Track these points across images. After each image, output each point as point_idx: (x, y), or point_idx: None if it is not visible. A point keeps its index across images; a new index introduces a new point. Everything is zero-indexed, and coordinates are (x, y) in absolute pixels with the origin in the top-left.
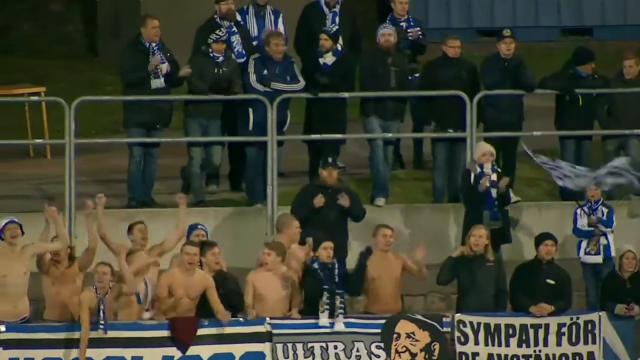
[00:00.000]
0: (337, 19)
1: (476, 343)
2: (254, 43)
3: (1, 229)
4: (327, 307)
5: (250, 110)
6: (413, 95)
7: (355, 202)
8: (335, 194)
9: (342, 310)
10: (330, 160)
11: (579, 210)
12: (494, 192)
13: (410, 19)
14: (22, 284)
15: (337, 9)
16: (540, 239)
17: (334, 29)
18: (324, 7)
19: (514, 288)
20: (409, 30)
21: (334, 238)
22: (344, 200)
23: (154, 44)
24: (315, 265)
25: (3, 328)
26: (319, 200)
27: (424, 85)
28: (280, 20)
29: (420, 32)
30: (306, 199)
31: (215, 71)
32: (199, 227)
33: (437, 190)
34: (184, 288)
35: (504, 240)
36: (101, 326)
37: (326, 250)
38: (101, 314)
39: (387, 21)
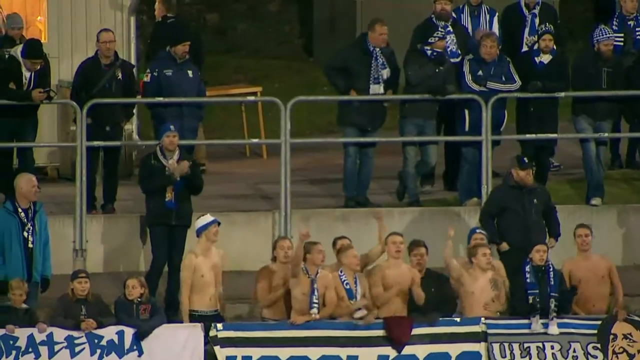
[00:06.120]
0: (536, 20)
1: None
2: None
3: (206, 224)
4: (537, 312)
5: (466, 110)
6: (622, 95)
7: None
8: (530, 195)
9: (555, 314)
10: (526, 160)
11: None
12: None
13: (639, 17)
14: (212, 280)
15: (536, 10)
16: None
17: (551, 28)
18: (524, 9)
19: None
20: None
21: (534, 239)
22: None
23: (377, 49)
24: (527, 269)
25: (220, 326)
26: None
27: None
28: (495, 19)
29: None
30: (499, 198)
31: (432, 69)
32: (478, 230)
33: None
34: (393, 278)
35: None
36: (315, 304)
37: (539, 253)
38: (316, 292)
39: (615, 19)
